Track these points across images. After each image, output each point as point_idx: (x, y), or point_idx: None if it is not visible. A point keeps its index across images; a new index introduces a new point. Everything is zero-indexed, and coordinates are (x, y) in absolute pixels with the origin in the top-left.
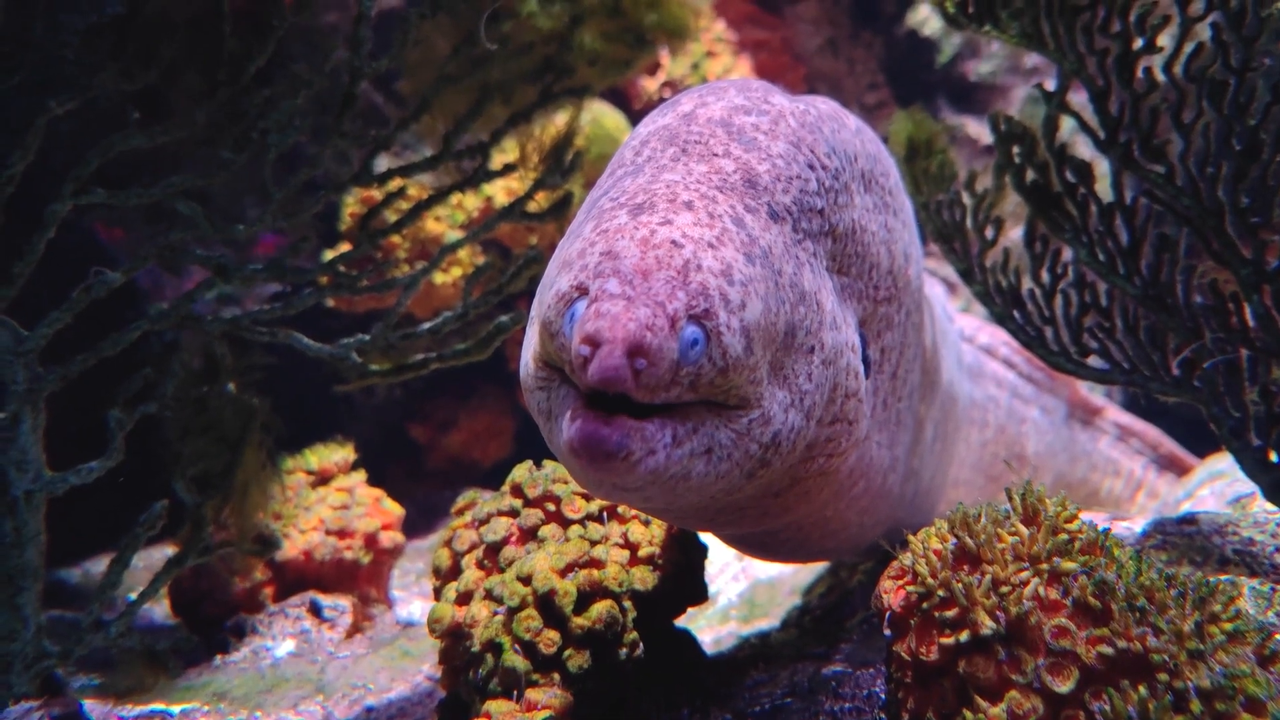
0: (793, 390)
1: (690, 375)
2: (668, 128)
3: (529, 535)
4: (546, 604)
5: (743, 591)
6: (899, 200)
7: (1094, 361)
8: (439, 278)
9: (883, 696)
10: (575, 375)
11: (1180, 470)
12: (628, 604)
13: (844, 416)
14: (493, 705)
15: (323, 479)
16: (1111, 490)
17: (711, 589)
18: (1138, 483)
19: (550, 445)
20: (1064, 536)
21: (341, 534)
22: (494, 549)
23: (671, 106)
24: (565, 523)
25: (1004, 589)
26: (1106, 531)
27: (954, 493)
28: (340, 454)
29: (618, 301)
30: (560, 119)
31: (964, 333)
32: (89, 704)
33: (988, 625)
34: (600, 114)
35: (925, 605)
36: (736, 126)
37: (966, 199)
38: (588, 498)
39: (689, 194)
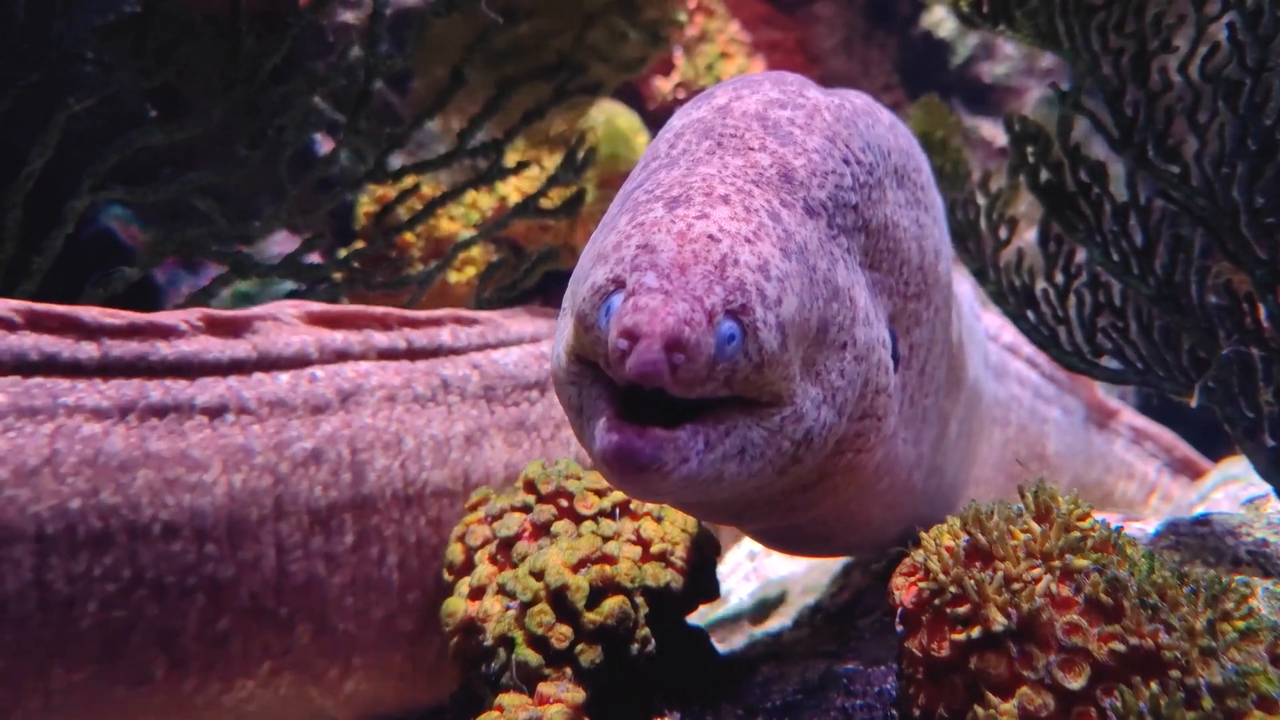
0: (825, 387)
1: (726, 371)
2: (702, 120)
3: (542, 531)
4: (559, 599)
5: (754, 590)
6: (930, 196)
7: (1107, 362)
8: (453, 276)
9: (894, 693)
10: (611, 369)
11: (1194, 474)
12: (639, 600)
13: (873, 412)
14: (505, 699)
15: None
16: (1125, 493)
17: (723, 588)
18: (1151, 486)
19: (579, 440)
20: (1076, 534)
21: None
22: (507, 544)
23: (706, 99)
24: (578, 519)
25: (1016, 585)
26: (1119, 530)
27: (975, 491)
28: None
29: (655, 295)
30: (574, 117)
31: (989, 331)
32: None
33: (999, 621)
34: (614, 113)
35: (937, 602)
36: (772, 120)
37: (980, 199)
38: (600, 494)
39: (725, 188)
